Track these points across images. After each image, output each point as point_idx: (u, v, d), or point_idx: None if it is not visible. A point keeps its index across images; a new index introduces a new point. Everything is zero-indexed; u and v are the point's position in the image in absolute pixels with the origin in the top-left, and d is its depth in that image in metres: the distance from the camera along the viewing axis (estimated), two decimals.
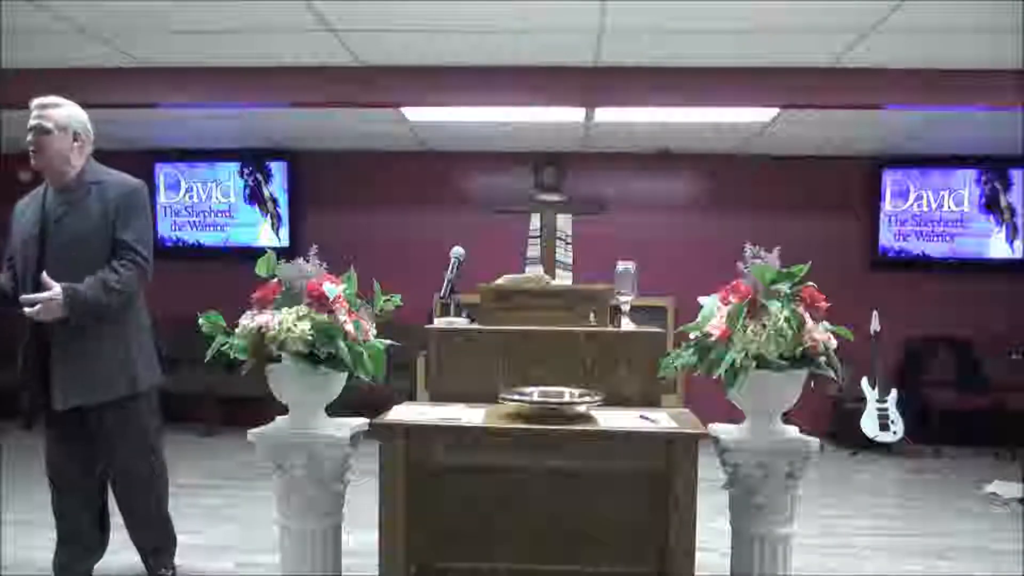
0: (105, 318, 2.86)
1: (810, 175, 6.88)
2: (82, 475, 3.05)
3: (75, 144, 2.95)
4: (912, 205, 6.88)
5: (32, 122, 2.90)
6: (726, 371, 2.27)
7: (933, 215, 6.87)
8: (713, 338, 2.35)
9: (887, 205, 6.88)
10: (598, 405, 2.51)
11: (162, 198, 7.15)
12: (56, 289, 2.73)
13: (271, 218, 7.15)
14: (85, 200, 2.92)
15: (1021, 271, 6.78)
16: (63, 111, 2.95)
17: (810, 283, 2.38)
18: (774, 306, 2.28)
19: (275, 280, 2.48)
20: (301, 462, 2.44)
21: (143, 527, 3.17)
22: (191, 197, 7.17)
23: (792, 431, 2.48)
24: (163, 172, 7.13)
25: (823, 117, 5.49)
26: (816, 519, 4.32)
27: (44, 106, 2.93)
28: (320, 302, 2.39)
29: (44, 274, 2.76)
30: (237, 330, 2.42)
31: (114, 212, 2.92)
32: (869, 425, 6.08)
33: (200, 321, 2.52)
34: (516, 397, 2.51)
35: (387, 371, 2.52)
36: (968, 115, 5.33)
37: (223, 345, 2.45)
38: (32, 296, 2.74)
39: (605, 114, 5.56)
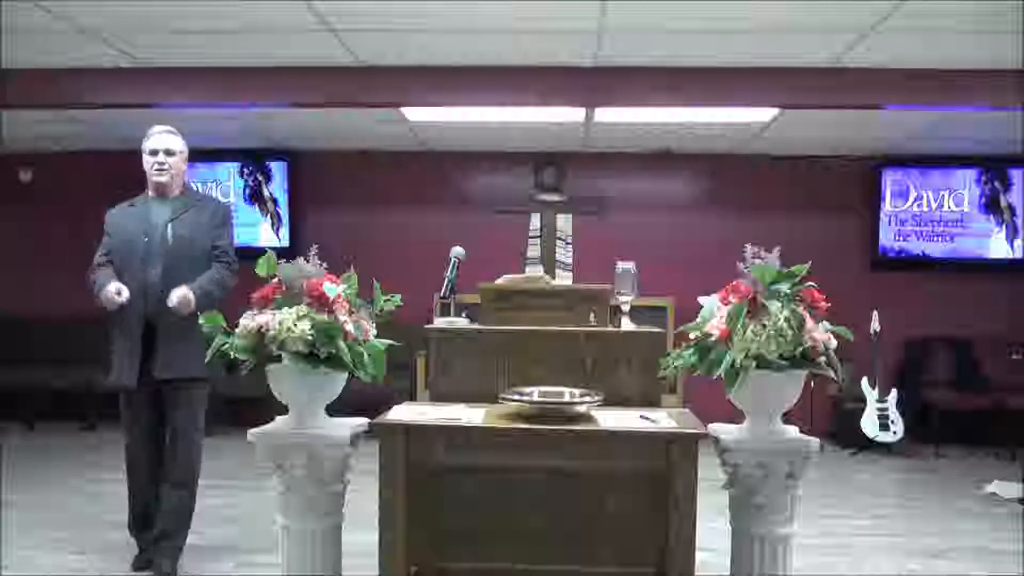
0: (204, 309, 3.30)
1: (810, 175, 6.88)
2: (152, 438, 3.45)
3: (184, 164, 3.55)
4: (912, 205, 6.89)
5: (161, 145, 3.42)
6: (726, 371, 2.27)
7: (933, 215, 6.87)
8: (713, 338, 2.34)
9: (887, 205, 6.88)
10: (598, 405, 2.51)
11: None
12: (183, 289, 3.24)
13: (271, 218, 7.15)
14: (191, 211, 3.46)
15: (1021, 271, 6.79)
16: (180, 137, 3.52)
17: (810, 283, 2.38)
18: (774, 306, 2.28)
19: (275, 280, 2.48)
20: (301, 462, 2.44)
21: (169, 510, 3.40)
22: None
23: (792, 431, 2.47)
24: None
25: (823, 117, 5.49)
26: (816, 519, 4.32)
27: (169, 132, 3.48)
28: (320, 302, 2.39)
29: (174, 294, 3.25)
30: (237, 330, 2.42)
31: (214, 223, 3.49)
32: (869, 425, 6.08)
33: (200, 321, 2.52)
34: (516, 397, 2.51)
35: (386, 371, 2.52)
36: (968, 115, 5.33)
37: (223, 345, 2.45)
38: (177, 293, 3.24)
39: (605, 114, 5.56)
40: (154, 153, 3.41)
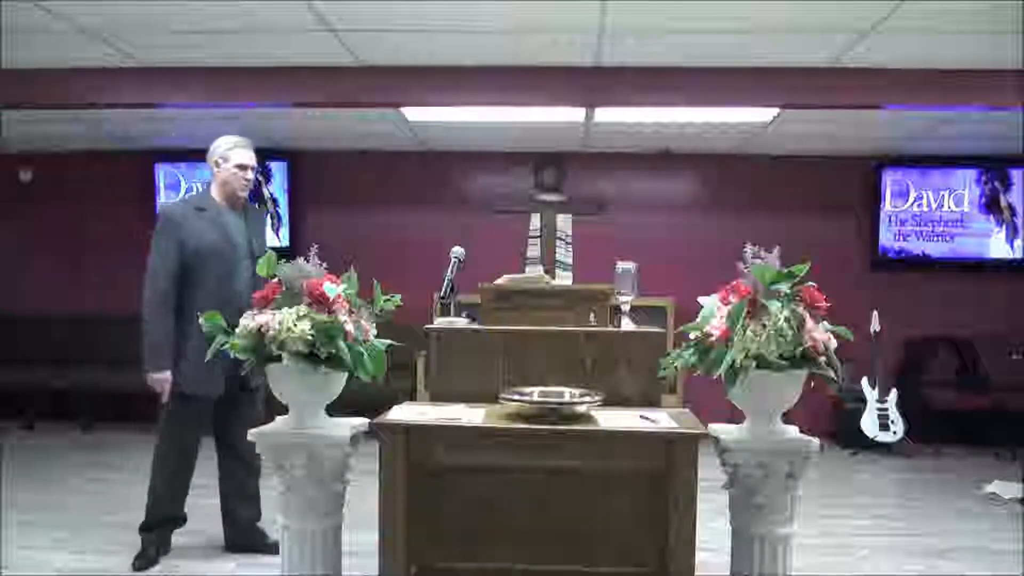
0: None
1: (810, 175, 6.88)
2: (198, 442, 3.57)
3: None
4: (912, 205, 6.88)
5: (250, 161, 3.56)
6: (726, 371, 2.27)
7: (933, 215, 6.87)
8: (713, 338, 2.34)
9: (887, 205, 6.88)
10: (598, 405, 2.51)
11: (162, 198, 7.14)
12: None
13: (271, 218, 7.14)
14: (253, 221, 3.66)
15: (1021, 271, 6.78)
16: None
17: (810, 283, 2.38)
18: (774, 306, 2.28)
19: (275, 280, 2.48)
20: (301, 462, 2.44)
21: (253, 499, 3.66)
22: None
23: (792, 431, 2.47)
24: (163, 172, 7.13)
25: (823, 117, 5.49)
26: (816, 519, 4.31)
27: (250, 146, 3.60)
28: (320, 302, 2.39)
29: None
30: (237, 330, 2.42)
31: (263, 230, 3.74)
32: (869, 425, 6.08)
33: (200, 321, 2.52)
34: (516, 397, 2.51)
35: (387, 371, 2.52)
36: (968, 115, 5.33)
37: (223, 345, 2.45)
38: None
39: (605, 114, 5.56)
40: (243, 168, 3.53)
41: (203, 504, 3.95)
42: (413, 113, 5.64)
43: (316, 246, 2.55)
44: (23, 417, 6.70)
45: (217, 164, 3.54)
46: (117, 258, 7.21)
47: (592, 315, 3.03)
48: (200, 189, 7.31)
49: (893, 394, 6.14)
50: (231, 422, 3.54)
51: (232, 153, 3.52)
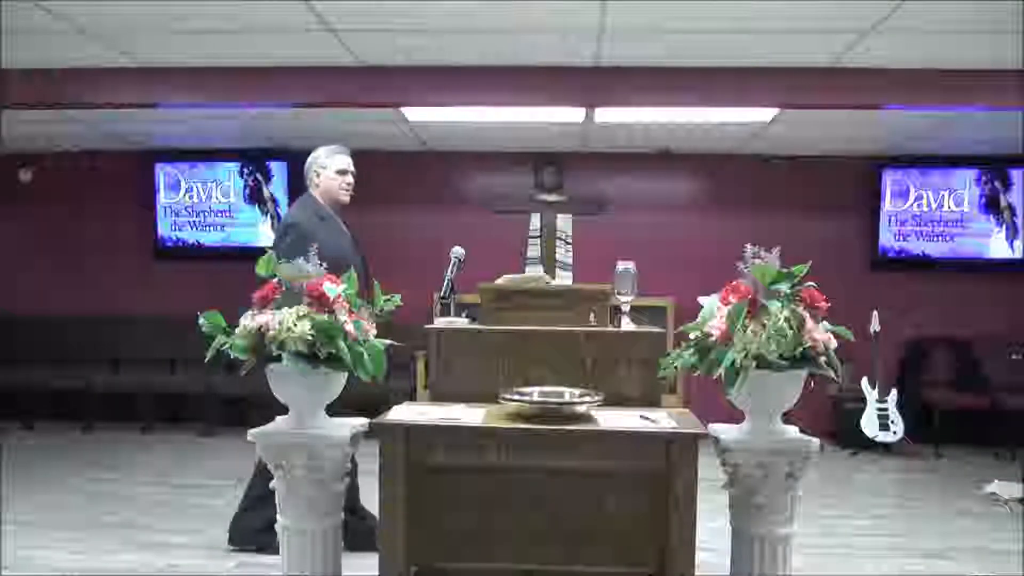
0: None
1: (810, 175, 6.88)
2: None
3: None
4: (912, 205, 6.89)
5: (351, 167, 3.65)
6: (726, 371, 2.27)
7: (933, 215, 6.87)
8: (713, 338, 2.34)
9: (887, 205, 6.88)
10: (598, 405, 2.51)
11: (162, 198, 7.15)
12: None
13: (271, 218, 7.14)
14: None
15: (1021, 271, 6.78)
16: None
17: (810, 283, 2.38)
18: (774, 306, 2.28)
19: (275, 280, 2.48)
20: (301, 462, 2.44)
21: None
22: (191, 197, 7.17)
23: (792, 431, 2.47)
24: (163, 172, 7.13)
25: (823, 117, 5.49)
26: (816, 519, 4.32)
27: (345, 152, 3.67)
28: (320, 302, 2.39)
29: None
30: (237, 330, 2.42)
31: None
32: (869, 425, 6.08)
33: (200, 321, 2.52)
34: (516, 397, 2.51)
35: (387, 371, 2.51)
36: (968, 115, 5.33)
37: (223, 345, 2.45)
38: None
39: (605, 114, 5.56)
40: (343, 173, 3.60)
41: (203, 504, 3.97)
42: (413, 113, 5.64)
43: (316, 246, 2.55)
44: (23, 417, 6.70)
45: (317, 173, 3.60)
46: (117, 258, 7.24)
47: (592, 315, 3.03)
48: (200, 189, 7.36)
49: (893, 394, 6.14)
50: None
51: (331, 160, 3.59)
